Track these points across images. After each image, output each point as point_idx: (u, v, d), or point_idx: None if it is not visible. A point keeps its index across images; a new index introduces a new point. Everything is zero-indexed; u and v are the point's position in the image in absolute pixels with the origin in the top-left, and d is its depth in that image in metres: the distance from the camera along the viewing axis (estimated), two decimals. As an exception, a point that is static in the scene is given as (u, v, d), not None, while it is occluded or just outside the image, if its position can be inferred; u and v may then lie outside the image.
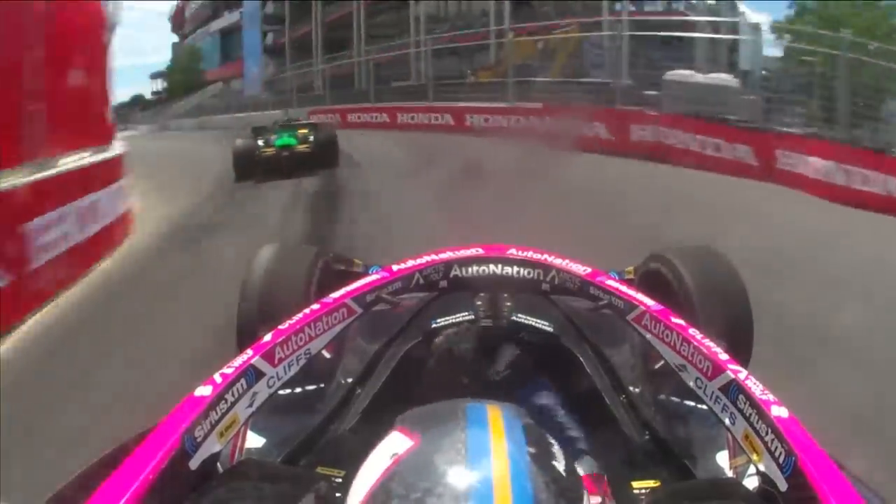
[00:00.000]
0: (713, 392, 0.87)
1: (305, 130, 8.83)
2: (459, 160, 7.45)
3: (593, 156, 8.29)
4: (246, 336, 1.52)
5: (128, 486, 0.63)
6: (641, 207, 5.42)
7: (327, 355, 1.25)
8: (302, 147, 8.44)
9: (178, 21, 23.44)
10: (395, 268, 1.25)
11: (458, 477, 0.51)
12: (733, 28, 12.24)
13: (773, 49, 10.55)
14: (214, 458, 0.77)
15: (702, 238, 2.04)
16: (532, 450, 0.55)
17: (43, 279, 3.70)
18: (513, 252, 1.29)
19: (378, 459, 0.57)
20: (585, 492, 0.56)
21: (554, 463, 0.56)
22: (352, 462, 0.92)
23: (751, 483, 0.77)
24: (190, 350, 2.68)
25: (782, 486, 0.69)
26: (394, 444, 0.58)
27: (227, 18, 17.76)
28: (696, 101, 8.39)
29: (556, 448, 0.58)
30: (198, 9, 22.16)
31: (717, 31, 12.03)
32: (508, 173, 6.18)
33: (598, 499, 0.68)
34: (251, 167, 8.20)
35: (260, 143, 8.50)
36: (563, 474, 0.55)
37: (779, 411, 0.75)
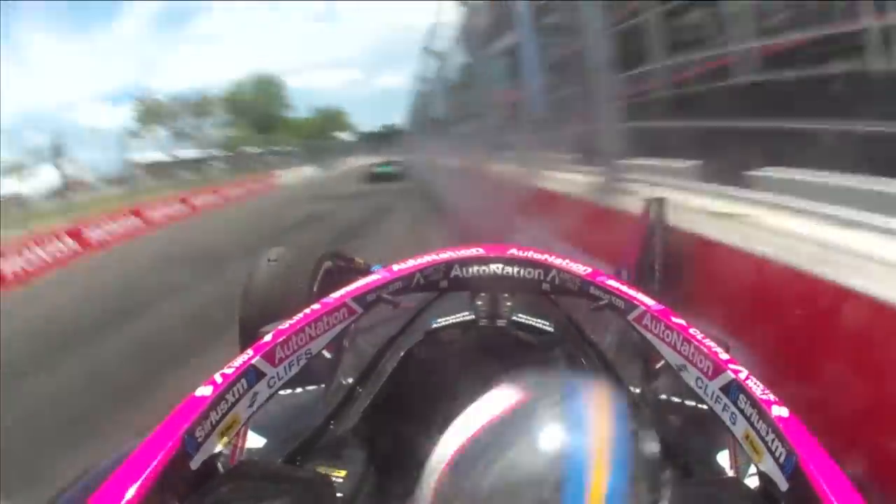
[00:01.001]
0: (714, 392, 0.87)
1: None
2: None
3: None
4: (248, 336, 1.53)
5: (128, 486, 0.64)
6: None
7: (327, 355, 1.25)
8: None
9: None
10: (395, 267, 1.25)
11: (558, 437, 0.52)
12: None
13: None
14: (215, 458, 0.77)
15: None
16: (632, 426, 0.56)
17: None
18: (513, 252, 1.29)
19: (475, 414, 0.57)
20: (667, 479, 0.58)
21: (649, 443, 0.58)
22: (352, 462, 0.92)
23: (751, 483, 0.77)
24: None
25: (783, 485, 0.69)
26: (492, 402, 0.57)
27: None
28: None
29: (653, 437, 0.60)
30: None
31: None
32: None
33: None
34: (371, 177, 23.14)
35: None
36: (655, 455, 0.57)
37: (779, 411, 0.75)
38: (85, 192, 25.52)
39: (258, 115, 43.17)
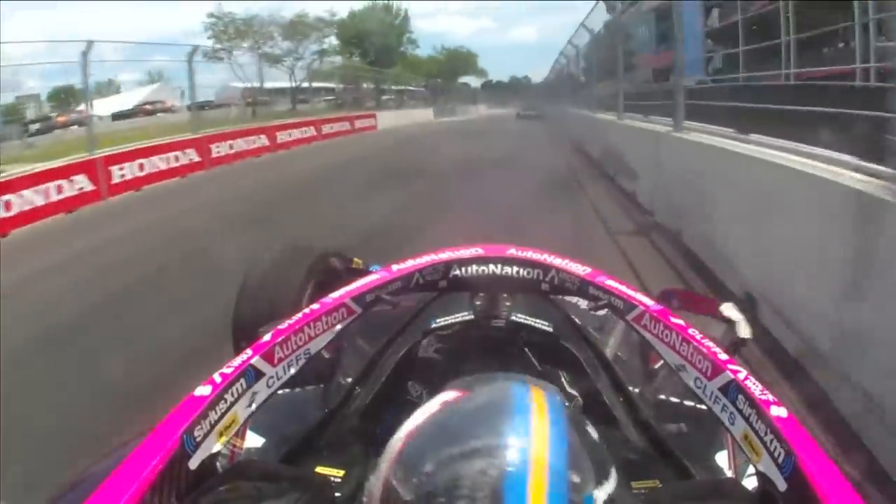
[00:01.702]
0: (712, 392, 0.87)
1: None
2: None
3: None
4: (244, 335, 1.53)
5: (127, 485, 0.63)
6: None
7: (327, 355, 1.25)
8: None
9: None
10: (394, 268, 1.25)
11: (501, 418, 0.55)
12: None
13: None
14: (214, 457, 0.77)
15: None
16: (569, 413, 0.59)
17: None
18: (512, 252, 1.29)
19: (427, 406, 0.61)
20: (613, 463, 0.59)
21: (588, 430, 0.60)
22: (351, 462, 0.92)
23: (750, 483, 0.77)
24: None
25: (781, 486, 0.69)
26: (443, 396, 0.62)
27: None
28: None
29: (589, 424, 0.62)
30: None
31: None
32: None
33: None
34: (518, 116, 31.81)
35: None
36: (595, 440, 0.59)
37: (778, 411, 0.75)
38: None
39: (376, 46, 36.73)
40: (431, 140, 17.66)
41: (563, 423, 0.57)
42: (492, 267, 1.27)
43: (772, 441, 0.72)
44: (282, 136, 15.59)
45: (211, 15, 29.80)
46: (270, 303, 1.66)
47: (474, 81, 49.79)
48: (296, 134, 16.55)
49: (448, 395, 0.61)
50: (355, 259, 2.08)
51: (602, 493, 0.54)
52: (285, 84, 28.88)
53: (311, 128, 17.76)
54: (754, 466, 0.75)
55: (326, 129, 18.73)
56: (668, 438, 1.01)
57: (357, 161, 13.04)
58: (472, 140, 16.98)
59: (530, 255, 1.29)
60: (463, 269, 1.27)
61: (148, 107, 24.94)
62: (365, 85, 31.47)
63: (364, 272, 1.53)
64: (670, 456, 0.97)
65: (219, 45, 27.28)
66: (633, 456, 1.00)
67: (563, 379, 1.20)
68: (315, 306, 1.08)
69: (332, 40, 35.34)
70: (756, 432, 0.76)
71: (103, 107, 20.77)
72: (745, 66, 6.32)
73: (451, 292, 1.32)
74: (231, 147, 13.22)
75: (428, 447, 0.55)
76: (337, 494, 0.76)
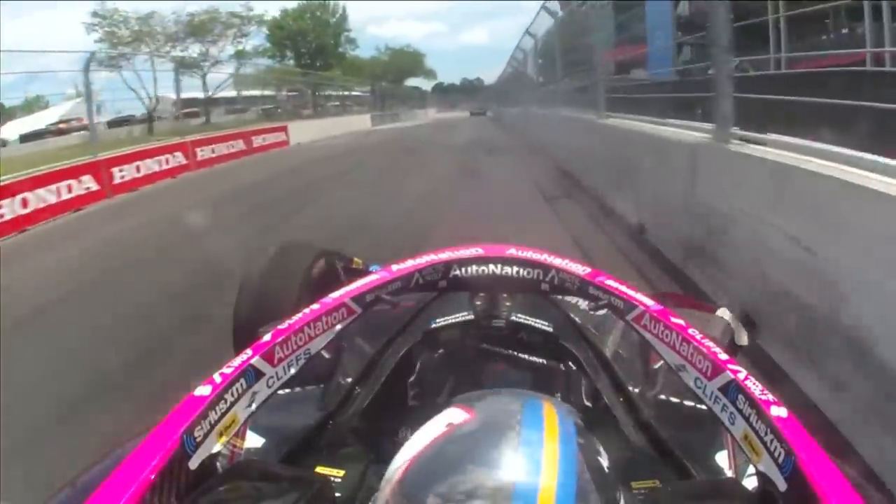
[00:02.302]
0: (713, 392, 0.87)
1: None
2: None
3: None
4: (244, 335, 1.52)
5: (128, 485, 0.63)
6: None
7: (327, 355, 1.25)
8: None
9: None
10: (394, 268, 1.25)
11: (510, 449, 0.53)
12: None
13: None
14: (214, 457, 0.77)
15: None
16: (581, 440, 0.57)
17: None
18: (512, 252, 1.29)
19: (432, 426, 0.58)
20: (621, 492, 0.58)
21: (599, 459, 0.57)
22: (351, 462, 0.92)
23: (750, 483, 0.77)
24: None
25: (781, 486, 0.69)
26: (449, 416, 0.59)
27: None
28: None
29: (601, 447, 0.60)
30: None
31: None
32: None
33: None
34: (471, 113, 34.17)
35: None
36: (606, 471, 0.57)
37: (778, 411, 0.75)
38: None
39: (310, 47, 32.98)
40: (351, 161, 12.34)
41: (574, 454, 0.54)
42: (492, 267, 1.27)
43: (772, 441, 0.72)
44: (125, 172, 9.89)
45: (95, 14, 23.36)
46: (270, 303, 1.66)
47: (424, 83, 46.18)
48: (151, 167, 10.70)
49: (453, 416, 0.58)
50: (355, 259, 2.08)
51: None
52: (228, 93, 24.62)
53: (180, 153, 11.84)
54: (754, 466, 0.75)
55: (202, 153, 12.56)
56: (668, 438, 1.01)
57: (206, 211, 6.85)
58: (408, 159, 12.05)
59: (530, 255, 1.29)
60: (463, 269, 1.27)
61: (62, 125, 20.09)
62: (294, 92, 27.34)
63: (364, 272, 1.53)
64: (670, 456, 0.97)
65: (114, 52, 21.36)
66: (633, 456, 1.00)
67: (562, 379, 1.20)
68: (315, 306, 1.08)
69: (257, 41, 30.41)
70: (756, 432, 0.76)
71: (13, 128, 18.64)
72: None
73: (451, 292, 1.32)
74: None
75: (431, 477, 0.53)
76: (337, 494, 0.76)
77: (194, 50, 25.21)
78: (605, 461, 0.58)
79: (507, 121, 22.34)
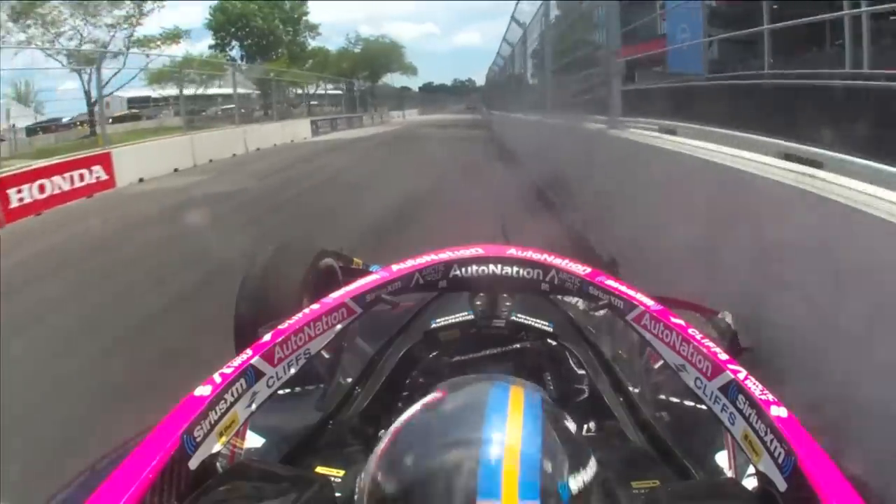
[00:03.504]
0: (713, 392, 0.87)
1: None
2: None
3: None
4: (244, 335, 1.53)
5: (128, 486, 0.63)
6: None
7: (327, 355, 1.25)
8: None
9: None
10: (394, 268, 1.25)
11: (477, 415, 0.58)
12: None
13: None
14: (214, 458, 0.77)
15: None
16: (547, 408, 0.62)
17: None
18: (512, 252, 1.29)
19: (412, 407, 0.64)
20: (592, 455, 0.61)
21: (566, 423, 0.62)
22: (351, 462, 0.92)
23: (750, 483, 0.77)
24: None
25: (781, 486, 0.69)
26: (427, 398, 0.66)
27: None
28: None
29: (568, 418, 0.64)
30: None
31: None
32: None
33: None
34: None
35: None
36: (572, 433, 0.62)
37: (778, 411, 0.75)
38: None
39: (257, 35, 27.07)
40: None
41: (539, 417, 0.59)
42: (492, 267, 1.27)
43: (772, 441, 0.72)
44: None
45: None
46: (270, 303, 1.66)
47: (405, 80, 40.05)
48: None
49: (430, 396, 0.65)
50: (355, 259, 2.09)
51: (577, 480, 0.57)
52: (226, 90, 19.87)
53: None
54: (754, 466, 0.75)
55: None
56: (668, 438, 1.01)
57: None
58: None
59: (530, 254, 1.29)
60: (463, 269, 1.27)
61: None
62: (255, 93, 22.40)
63: (364, 272, 1.53)
64: (670, 456, 0.97)
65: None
66: (633, 456, 1.00)
67: (562, 379, 1.20)
68: (315, 306, 1.08)
69: (168, 24, 23.68)
70: (756, 432, 0.76)
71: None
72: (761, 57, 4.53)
73: (451, 292, 1.32)
74: None
75: (409, 443, 0.58)
76: (337, 494, 0.76)
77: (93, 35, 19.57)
78: (571, 425, 0.63)
79: (500, 129, 16.34)
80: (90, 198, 8.97)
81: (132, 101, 19.47)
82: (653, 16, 6.91)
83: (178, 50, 21.55)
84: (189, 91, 19.25)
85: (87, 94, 17.13)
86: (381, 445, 0.61)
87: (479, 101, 35.00)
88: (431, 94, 46.34)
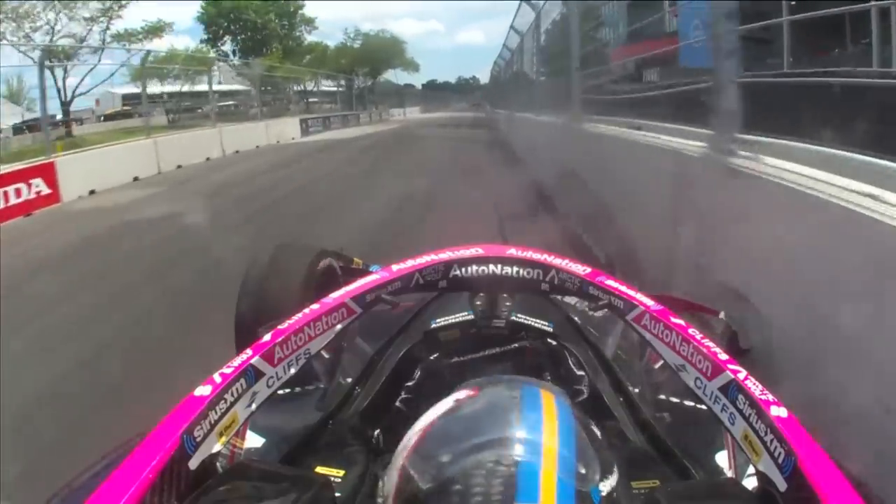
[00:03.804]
0: (713, 392, 0.87)
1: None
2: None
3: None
4: (245, 335, 1.52)
5: (128, 486, 0.63)
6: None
7: (327, 355, 1.25)
8: None
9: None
10: (394, 268, 1.25)
11: (514, 415, 0.58)
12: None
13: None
14: (214, 457, 0.77)
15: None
16: (578, 413, 0.62)
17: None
18: (512, 252, 1.29)
19: (442, 404, 0.63)
20: (615, 462, 0.61)
21: (593, 428, 0.63)
22: (351, 462, 0.92)
23: (750, 483, 0.77)
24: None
25: (781, 486, 0.69)
26: (457, 395, 0.64)
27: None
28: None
29: (593, 424, 0.65)
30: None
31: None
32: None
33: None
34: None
35: None
36: (600, 440, 0.62)
37: (778, 411, 0.75)
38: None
39: (251, 31, 25.71)
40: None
41: (572, 420, 0.59)
42: (492, 267, 1.27)
43: (772, 441, 0.72)
44: None
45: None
46: (270, 303, 1.66)
47: (406, 77, 39.08)
48: None
49: (461, 394, 0.64)
50: (355, 259, 2.08)
51: (606, 486, 0.57)
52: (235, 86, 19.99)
53: None
54: (754, 466, 0.75)
55: None
56: (668, 438, 1.01)
57: None
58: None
59: (530, 255, 1.29)
60: (463, 269, 1.27)
61: None
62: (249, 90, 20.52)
63: (364, 272, 1.53)
64: (670, 456, 0.97)
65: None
66: (633, 456, 1.00)
67: (562, 379, 1.20)
68: (315, 306, 1.08)
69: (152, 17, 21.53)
70: (756, 432, 0.76)
71: None
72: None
73: (451, 292, 1.32)
74: None
75: (444, 438, 0.57)
76: (337, 494, 0.76)
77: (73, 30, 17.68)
78: (598, 431, 0.63)
79: (507, 130, 14.60)
80: (28, 216, 7.43)
81: (127, 98, 18.63)
82: (660, 14, 6.87)
83: (162, 44, 20.36)
84: (174, 88, 18.83)
85: (60, 91, 16.42)
86: (411, 439, 0.59)
87: (482, 99, 34.54)
88: (435, 92, 45.64)
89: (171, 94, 18.63)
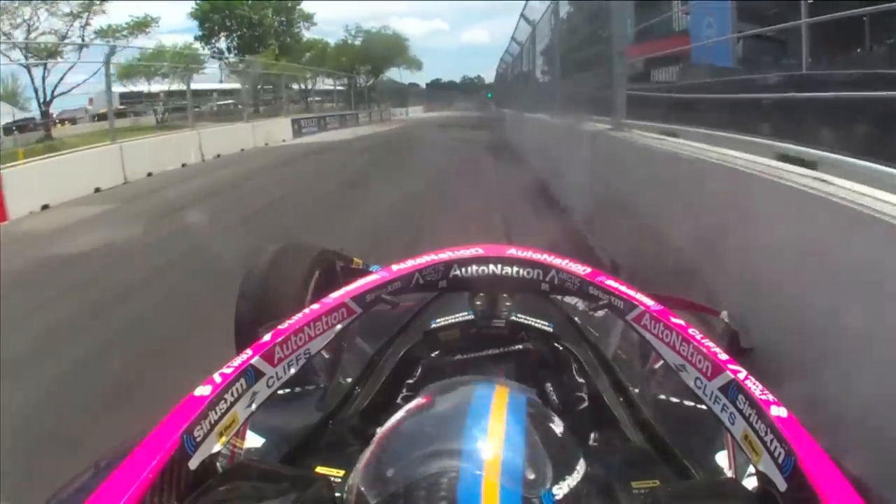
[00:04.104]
0: (713, 392, 0.87)
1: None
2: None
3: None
4: (244, 335, 1.53)
5: (127, 486, 0.63)
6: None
7: (327, 355, 1.25)
8: None
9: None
10: (394, 268, 1.25)
11: (457, 423, 0.58)
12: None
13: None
14: (214, 458, 0.77)
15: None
16: (532, 411, 0.61)
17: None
18: (512, 252, 1.29)
19: (397, 414, 0.65)
20: (581, 456, 0.61)
21: (551, 426, 0.61)
22: (351, 462, 0.92)
23: (750, 483, 0.77)
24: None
25: (781, 486, 0.69)
26: (411, 403, 0.66)
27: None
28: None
29: (555, 418, 0.63)
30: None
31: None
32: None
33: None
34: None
35: None
36: (559, 436, 0.60)
37: (778, 411, 0.75)
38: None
39: (245, 27, 24.92)
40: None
41: (523, 423, 0.58)
42: (492, 267, 1.27)
43: (772, 441, 0.72)
44: None
45: None
46: (270, 302, 1.66)
47: (408, 76, 37.86)
48: None
49: (413, 403, 0.65)
50: (355, 259, 2.08)
51: (563, 488, 0.56)
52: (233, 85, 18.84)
53: None
54: (754, 466, 0.75)
55: None
56: (668, 438, 1.01)
57: None
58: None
59: (530, 254, 1.29)
60: (463, 269, 1.27)
61: None
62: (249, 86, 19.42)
63: (364, 272, 1.53)
64: (670, 456, 0.97)
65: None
66: (633, 456, 1.00)
67: (562, 379, 1.20)
68: (315, 306, 1.08)
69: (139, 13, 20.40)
70: (756, 432, 0.76)
71: None
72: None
73: (451, 292, 1.32)
74: None
75: (390, 453, 0.58)
76: (337, 494, 0.76)
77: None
78: (558, 428, 0.62)
79: (514, 132, 13.39)
80: None
81: (124, 97, 17.79)
82: (669, 14, 6.74)
83: (149, 41, 19.44)
84: (162, 87, 17.81)
85: (38, 91, 15.51)
86: (366, 455, 0.61)
87: (488, 99, 34.01)
88: (439, 91, 45.17)
89: (168, 94, 17.88)
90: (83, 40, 17.03)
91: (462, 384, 0.67)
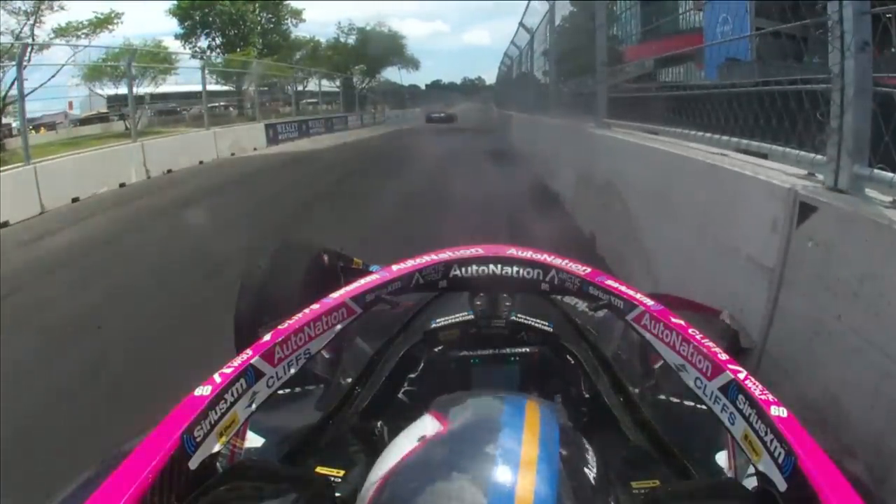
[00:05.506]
0: (713, 392, 0.87)
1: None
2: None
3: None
4: (244, 335, 1.52)
5: (128, 486, 0.63)
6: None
7: (327, 355, 1.25)
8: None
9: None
10: (394, 267, 1.25)
11: (483, 469, 0.50)
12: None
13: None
14: (214, 457, 0.77)
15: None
16: (564, 453, 0.54)
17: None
18: (512, 252, 1.29)
19: (405, 439, 0.57)
20: (611, 496, 0.56)
21: (585, 470, 0.55)
22: (351, 462, 0.92)
23: (750, 483, 0.77)
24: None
25: (781, 486, 0.69)
26: (424, 427, 0.57)
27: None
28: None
29: (590, 455, 0.57)
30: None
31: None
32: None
33: None
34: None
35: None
36: (593, 483, 0.54)
37: (778, 411, 0.74)
38: None
39: (227, 24, 23.10)
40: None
41: (555, 473, 0.52)
42: (492, 267, 1.27)
43: (772, 441, 0.72)
44: None
45: None
46: (270, 302, 1.66)
47: (410, 77, 37.21)
48: None
49: (427, 427, 0.57)
50: (355, 259, 2.08)
51: None
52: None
53: None
54: (754, 466, 0.75)
55: None
56: (668, 438, 1.01)
57: None
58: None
59: (530, 254, 1.29)
60: (463, 269, 1.27)
61: None
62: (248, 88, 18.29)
63: (364, 272, 1.53)
64: (670, 456, 0.97)
65: None
66: (633, 456, 1.00)
67: (562, 379, 1.20)
68: (315, 306, 1.08)
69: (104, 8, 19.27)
70: (756, 432, 0.76)
71: None
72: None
73: (451, 292, 1.32)
74: None
75: (407, 494, 0.51)
76: (337, 494, 0.76)
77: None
78: (592, 471, 0.55)
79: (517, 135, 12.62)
80: None
81: (112, 100, 16.67)
82: (681, 13, 6.52)
83: (114, 38, 17.26)
84: (147, 90, 16.46)
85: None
86: (371, 488, 0.54)
87: (489, 100, 32.68)
88: (439, 92, 44.10)
89: (154, 96, 16.87)
90: (33, 39, 14.79)
91: (485, 407, 0.59)
